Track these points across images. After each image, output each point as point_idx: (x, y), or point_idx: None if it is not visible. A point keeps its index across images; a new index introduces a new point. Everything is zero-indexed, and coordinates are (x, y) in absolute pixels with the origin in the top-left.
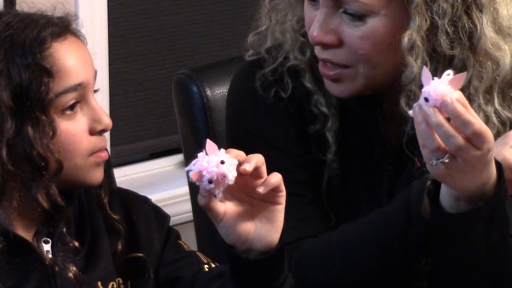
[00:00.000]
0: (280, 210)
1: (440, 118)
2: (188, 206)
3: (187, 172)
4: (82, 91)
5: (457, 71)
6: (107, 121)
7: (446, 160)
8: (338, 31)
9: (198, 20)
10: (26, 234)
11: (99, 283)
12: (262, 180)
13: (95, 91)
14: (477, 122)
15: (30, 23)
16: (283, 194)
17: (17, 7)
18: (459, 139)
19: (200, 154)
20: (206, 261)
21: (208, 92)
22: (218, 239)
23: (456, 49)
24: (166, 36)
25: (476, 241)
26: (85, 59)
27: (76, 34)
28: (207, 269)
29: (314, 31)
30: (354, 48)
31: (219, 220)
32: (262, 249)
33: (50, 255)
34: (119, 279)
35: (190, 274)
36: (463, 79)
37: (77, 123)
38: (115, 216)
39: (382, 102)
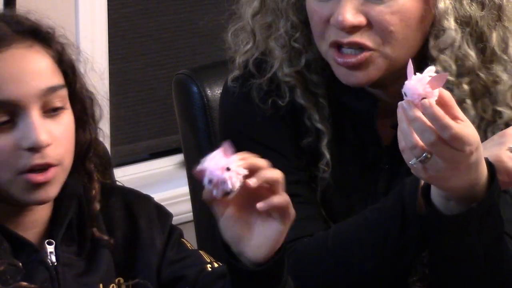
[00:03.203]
0: (281, 231)
1: (416, 112)
2: (188, 206)
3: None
4: (10, 108)
5: (481, 33)
6: (34, 138)
7: (424, 159)
8: (364, 11)
9: (198, 20)
10: (29, 235)
11: (101, 285)
12: (273, 195)
13: (57, 108)
14: (456, 126)
15: None
16: (290, 216)
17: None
18: (433, 134)
19: (215, 152)
20: (209, 261)
21: (208, 92)
22: (218, 240)
23: (483, 11)
24: (166, 36)
25: (471, 241)
26: (22, 75)
27: (30, 45)
28: (209, 269)
29: (343, 15)
30: (384, 26)
31: (218, 217)
32: (253, 259)
33: (53, 257)
34: (119, 279)
35: (193, 273)
36: (444, 80)
37: (1, 137)
38: (104, 236)
39: (377, 100)
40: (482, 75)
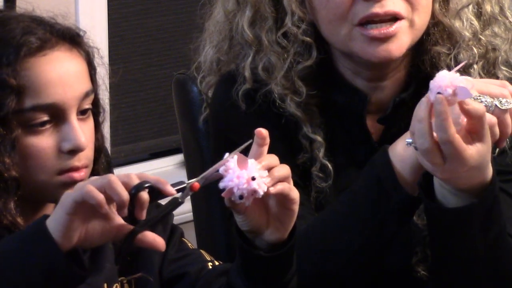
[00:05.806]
0: (290, 215)
1: (446, 108)
2: (188, 206)
3: (221, 188)
4: (54, 111)
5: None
6: (77, 142)
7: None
8: None
9: (198, 20)
10: None
11: (105, 285)
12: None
13: (86, 110)
14: (457, 139)
15: (12, 30)
16: (295, 201)
17: (17, 8)
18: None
19: (231, 165)
20: (209, 259)
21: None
22: (217, 240)
23: None
24: (166, 36)
25: (473, 238)
26: (67, 78)
27: (70, 48)
28: (210, 267)
29: None
30: None
31: (240, 214)
32: (269, 241)
33: None
34: (122, 278)
35: (195, 271)
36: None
37: (43, 139)
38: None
39: (366, 95)
40: (483, 39)
